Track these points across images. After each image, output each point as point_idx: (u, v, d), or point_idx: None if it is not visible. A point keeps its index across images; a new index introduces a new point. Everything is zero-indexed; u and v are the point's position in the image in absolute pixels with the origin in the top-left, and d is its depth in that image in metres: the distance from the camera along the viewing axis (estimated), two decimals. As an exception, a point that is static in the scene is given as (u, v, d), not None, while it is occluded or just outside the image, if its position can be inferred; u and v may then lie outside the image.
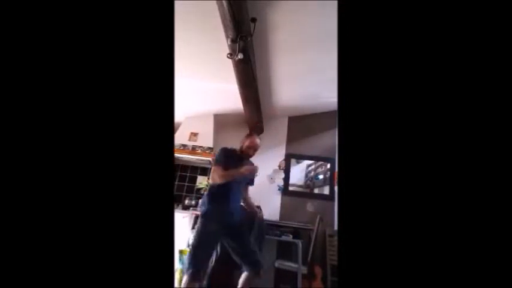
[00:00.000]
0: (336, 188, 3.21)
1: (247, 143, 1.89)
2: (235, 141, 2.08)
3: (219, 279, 2.25)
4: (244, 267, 1.74)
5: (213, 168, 1.88)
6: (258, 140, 1.91)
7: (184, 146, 3.11)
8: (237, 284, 1.76)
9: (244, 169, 1.72)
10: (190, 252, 1.65)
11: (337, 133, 3.35)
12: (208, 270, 2.22)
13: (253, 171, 1.73)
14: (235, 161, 1.82)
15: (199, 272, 1.59)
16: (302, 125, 3.57)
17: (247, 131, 3.30)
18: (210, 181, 1.91)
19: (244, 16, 1.57)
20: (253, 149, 1.88)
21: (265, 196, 3.03)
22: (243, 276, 1.74)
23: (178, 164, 3.39)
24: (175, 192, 3.30)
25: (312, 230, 2.75)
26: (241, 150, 1.90)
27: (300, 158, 3.44)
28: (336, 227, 2.99)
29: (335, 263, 2.77)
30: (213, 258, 2.23)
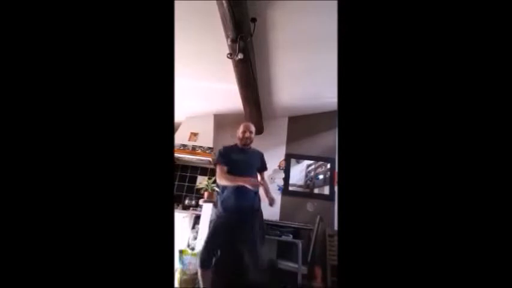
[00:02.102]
0: (336, 188, 3.21)
1: (241, 129, 1.99)
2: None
3: (220, 281, 2.24)
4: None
5: (216, 169, 1.94)
6: (250, 124, 2.01)
7: (184, 146, 3.11)
8: (237, 285, 1.75)
9: (249, 181, 1.76)
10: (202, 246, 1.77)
11: (337, 133, 3.35)
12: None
13: (255, 185, 1.76)
14: (235, 154, 1.92)
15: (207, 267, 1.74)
16: (302, 125, 3.56)
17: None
18: (218, 182, 1.94)
19: (244, 16, 1.57)
20: (248, 131, 1.97)
21: (265, 196, 3.02)
22: None
23: (178, 164, 3.39)
24: (175, 192, 3.30)
25: (312, 230, 2.75)
26: (240, 140, 1.99)
27: (300, 158, 3.44)
28: (336, 227, 2.99)
29: (335, 263, 2.76)
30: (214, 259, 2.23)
